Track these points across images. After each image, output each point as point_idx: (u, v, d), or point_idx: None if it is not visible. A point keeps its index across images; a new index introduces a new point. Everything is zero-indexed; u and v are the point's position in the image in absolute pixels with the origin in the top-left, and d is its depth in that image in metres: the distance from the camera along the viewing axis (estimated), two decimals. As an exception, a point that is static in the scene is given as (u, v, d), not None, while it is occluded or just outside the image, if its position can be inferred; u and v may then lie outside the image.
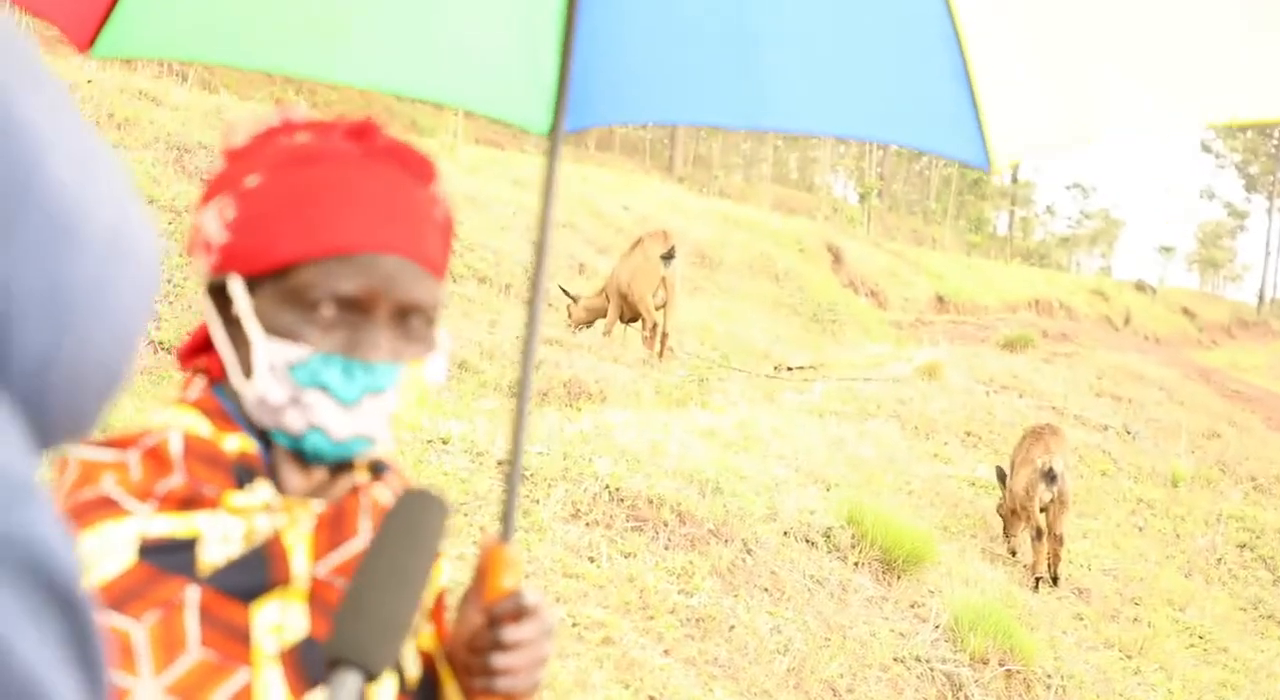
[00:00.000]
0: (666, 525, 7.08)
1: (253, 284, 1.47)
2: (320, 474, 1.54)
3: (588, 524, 6.88)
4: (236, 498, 1.44)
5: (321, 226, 1.45)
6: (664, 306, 13.93)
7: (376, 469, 1.62)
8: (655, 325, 13.92)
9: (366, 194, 1.47)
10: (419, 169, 1.53)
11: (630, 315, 14.57)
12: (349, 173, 1.47)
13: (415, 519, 1.41)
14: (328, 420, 1.46)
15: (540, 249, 1.98)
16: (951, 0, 2.34)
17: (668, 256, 13.84)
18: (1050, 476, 10.08)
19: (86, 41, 2.27)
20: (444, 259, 1.55)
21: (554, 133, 2.07)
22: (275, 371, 1.44)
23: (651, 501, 7.23)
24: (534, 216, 19.43)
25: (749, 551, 7.26)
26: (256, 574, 1.44)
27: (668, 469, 7.74)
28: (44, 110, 0.66)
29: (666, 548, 6.92)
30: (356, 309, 1.46)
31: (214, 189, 1.51)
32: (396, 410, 1.49)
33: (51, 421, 0.67)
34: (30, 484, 0.57)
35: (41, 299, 0.63)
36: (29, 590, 0.56)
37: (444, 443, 7.31)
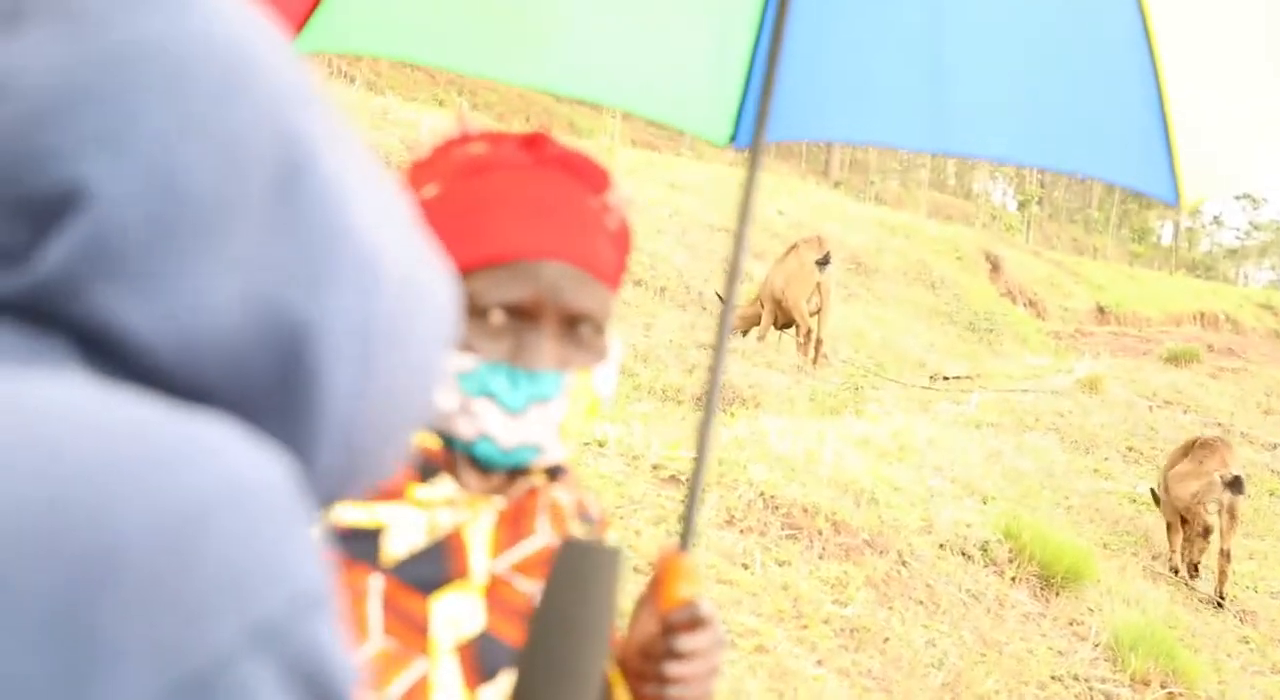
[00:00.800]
0: (821, 534, 7.00)
1: None
2: (498, 476, 1.53)
3: (742, 531, 6.78)
4: (420, 491, 1.45)
5: (490, 234, 1.44)
6: (818, 313, 13.78)
7: (553, 473, 1.61)
8: (809, 331, 13.80)
9: (535, 202, 1.46)
10: (591, 177, 1.51)
11: (784, 321, 14.36)
12: (520, 181, 1.47)
13: (584, 590, 1.33)
14: (495, 428, 1.44)
15: (733, 267, 1.94)
16: (1151, 29, 2.29)
17: (823, 262, 13.67)
18: (1236, 485, 9.74)
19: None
20: (618, 267, 1.53)
21: (755, 145, 2.02)
22: (444, 380, 1.42)
23: (806, 510, 7.15)
24: (693, 220, 19.43)
25: (904, 563, 7.18)
26: (436, 567, 1.44)
27: (822, 477, 7.67)
28: (346, 159, 0.68)
29: (821, 557, 6.85)
30: (524, 316, 1.44)
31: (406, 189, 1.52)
32: (563, 419, 1.47)
33: (353, 470, 0.69)
34: (320, 592, 0.59)
35: (351, 339, 0.66)
36: (308, 698, 0.58)
37: (600, 446, 7.29)
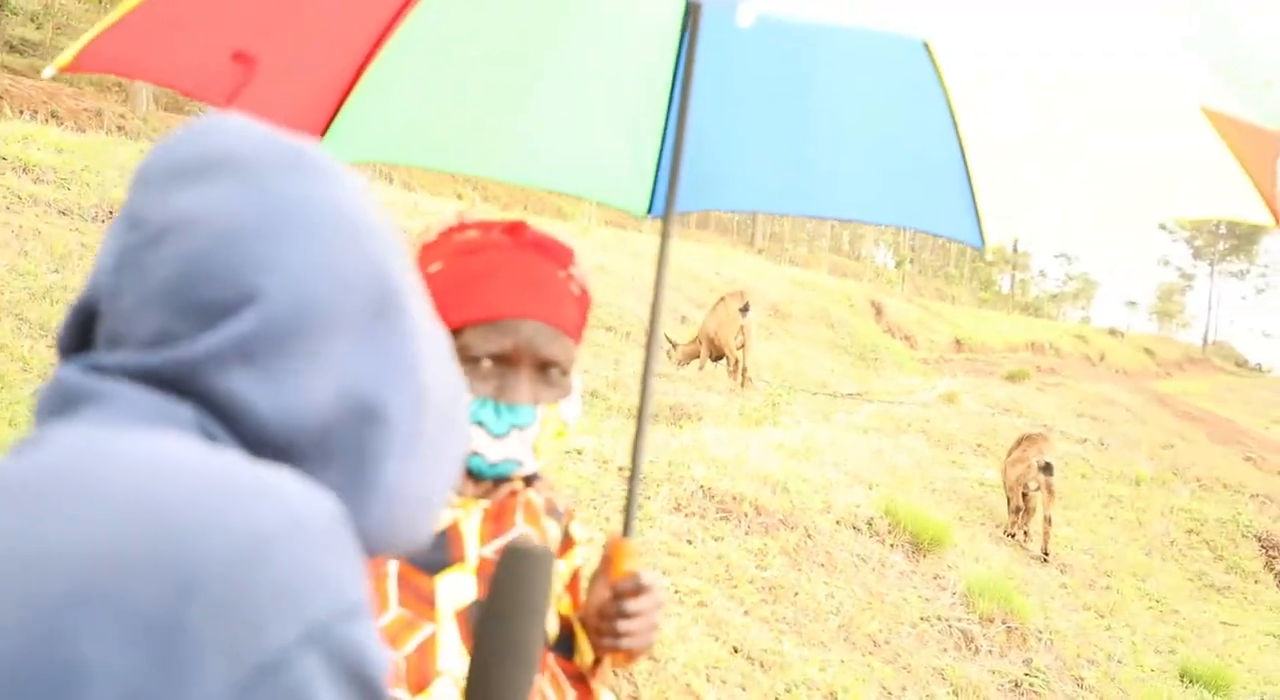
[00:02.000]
0: (747, 516, 6.88)
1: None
2: (486, 483, 1.50)
3: (686, 515, 6.65)
4: None
5: (481, 299, 1.41)
6: (743, 347, 13.66)
7: (529, 479, 1.58)
8: (737, 362, 13.60)
9: (514, 274, 1.42)
10: (559, 255, 1.48)
11: (717, 355, 14.04)
12: (503, 259, 1.43)
13: (522, 584, 1.25)
14: (483, 448, 1.42)
15: (655, 307, 1.87)
16: (956, 116, 2.28)
17: (744, 309, 13.58)
18: (1048, 469, 9.69)
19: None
20: (579, 323, 1.49)
21: (666, 216, 1.97)
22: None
23: (735, 498, 7.03)
24: (649, 281, 18.16)
25: (809, 536, 7.06)
26: (440, 553, 1.41)
27: (748, 473, 7.54)
28: (419, 303, 0.71)
29: (747, 533, 6.73)
30: (506, 362, 1.41)
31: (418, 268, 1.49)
32: (536, 441, 1.44)
33: (393, 529, 0.69)
34: (360, 603, 0.58)
35: (404, 436, 0.68)
36: (351, 687, 0.58)
37: (578, 454, 7.12)
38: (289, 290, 0.62)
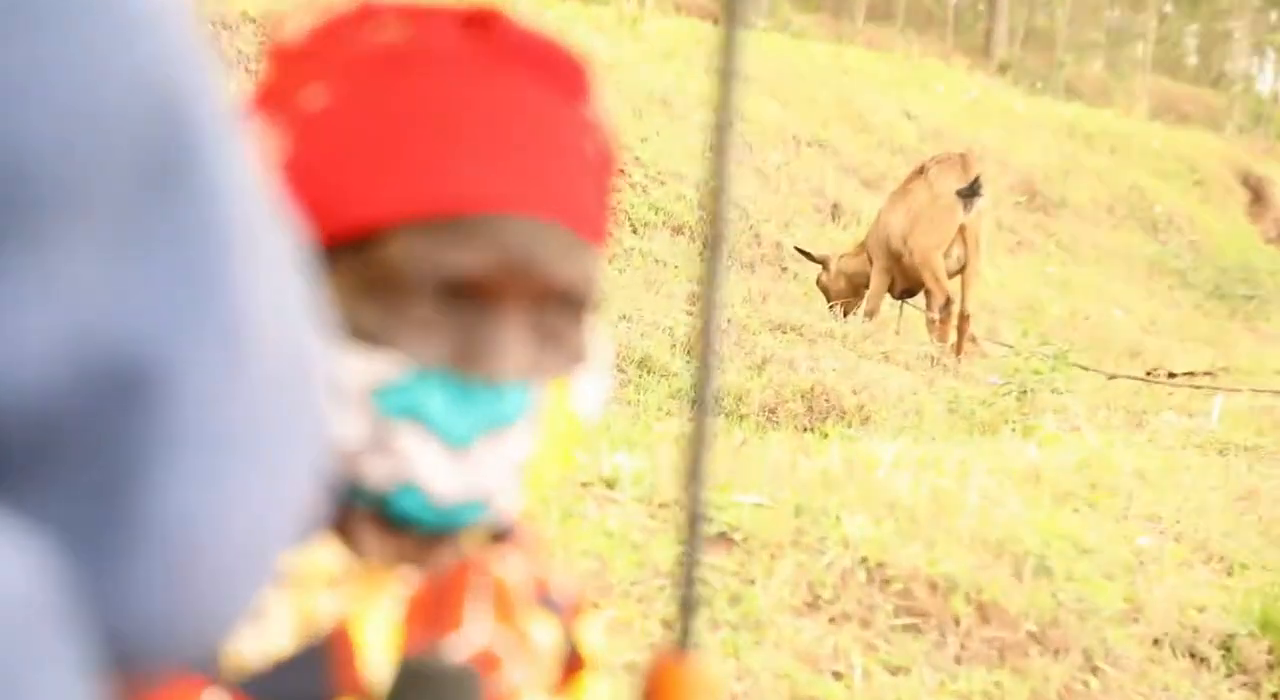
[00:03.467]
0: (959, 624, 4.22)
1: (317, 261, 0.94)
2: (412, 538, 0.95)
3: (832, 619, 4.11)
4: (287, 560, 0.70)
5: (422, 169, 0.89)
6: (962, 272, 8.11)
7: (501, 535, 1.02)
8: (949, 302, 8.06)
9: (489, 120, 0.89)
10: (567, 78, 0.93)
11: (907, 285, 8.34)
12: (464, 88, 0.91)
13: None
14: (427, 472, 0.90)
15: (718, 185, 1.04)
16: None
17: (969, 193, 8.00)
18: None
19: None
20: (603, 218, 0.95)
21: None
22: (348, 395, 0.91)
23: (935, 586, 4.30)
24: (760, 130, 11.37)
25: (1094, 670, 4.31)
26: (310, 680, 0.91)
27: (962, 534, 4.61)
28: (238, 161, 0.47)
29: (959, 660, 4.16)
30: (474, 298, 0.89)
31: (258, 105, 0.95)
32: (529, 456, 0.92)
33: (179, 613, 0.46)
34: None
35: (208, 414, 0.46)
36: None
37: (608, 486, 4.48)
38: None
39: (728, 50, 1.04)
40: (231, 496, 0.45)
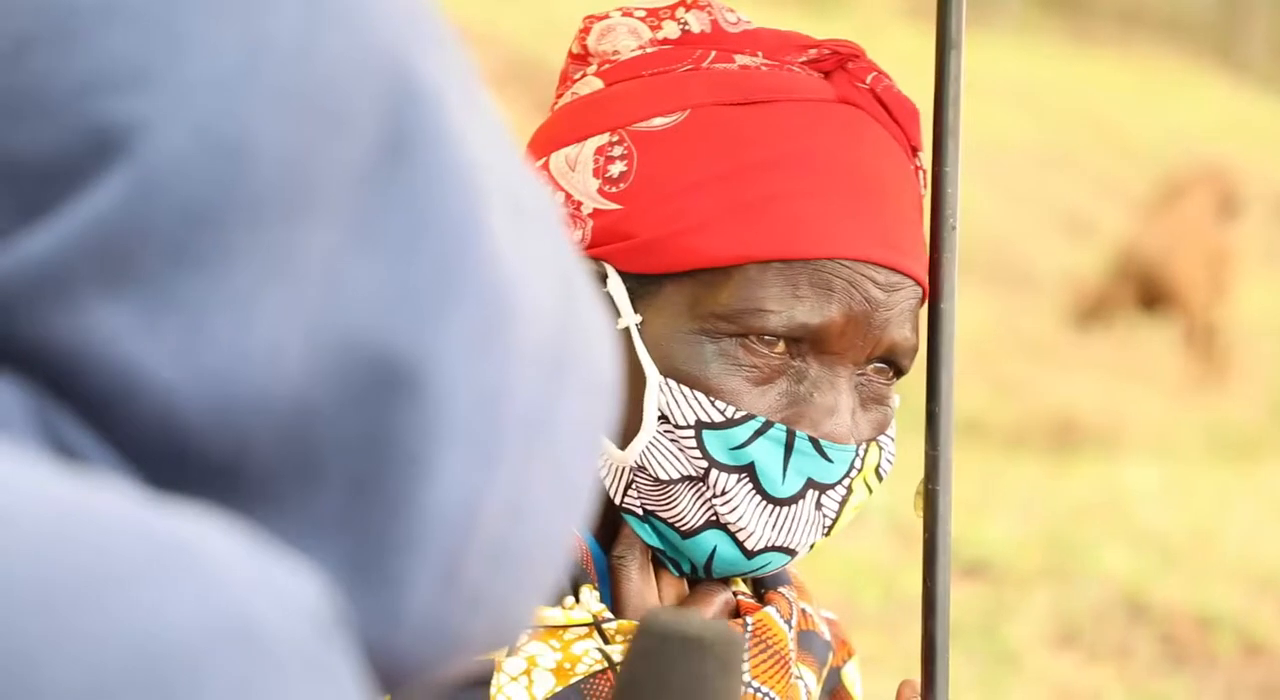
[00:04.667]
0: (1225, 661, 4.05)
1: (638, 283, 0.91)
2: (676, 584, 0.95)
3: (1091, 654, 4.01)
4: (548, 612, 0.91)
5: (783, 209, 0.88)
6: (1221, 290, 7.64)
7: (765, 582, 0.99)
8: (1207, 324, 7.62)
9: (850, 166, 0.90)
10: (909, 126, 0.93)
11: (1151, 300, 7.78)
12: (825, 128, 0.90)
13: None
14: (747, 519, 0.90)
15: (939, 204, 0.98)
16: None
17: (1228, 212, 7.69)
18: None
19: None
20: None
21: None
22: (676, 434, 0.88)
23: (1201, 620, 4.12)
24: (1008, 145, 10.80)
25: None
26: None
27: (1227, 566, 4.47)
28: (481, 130, 0.42)
29: (1229, 697, 4.00)
30: (817, 350, 0.90)
31: (586, 115, 0.93)
32: (839, 516, 0.94)
33: (458, 620, 0.42)
34: None
35: (473, 407, 0.40)
36: None
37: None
38: (199, 122, 0.36)
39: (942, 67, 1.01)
40: (508, 481, 0.42)
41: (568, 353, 0.43)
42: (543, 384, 0.42)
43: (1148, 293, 7.68)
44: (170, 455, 0.39)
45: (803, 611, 1.01)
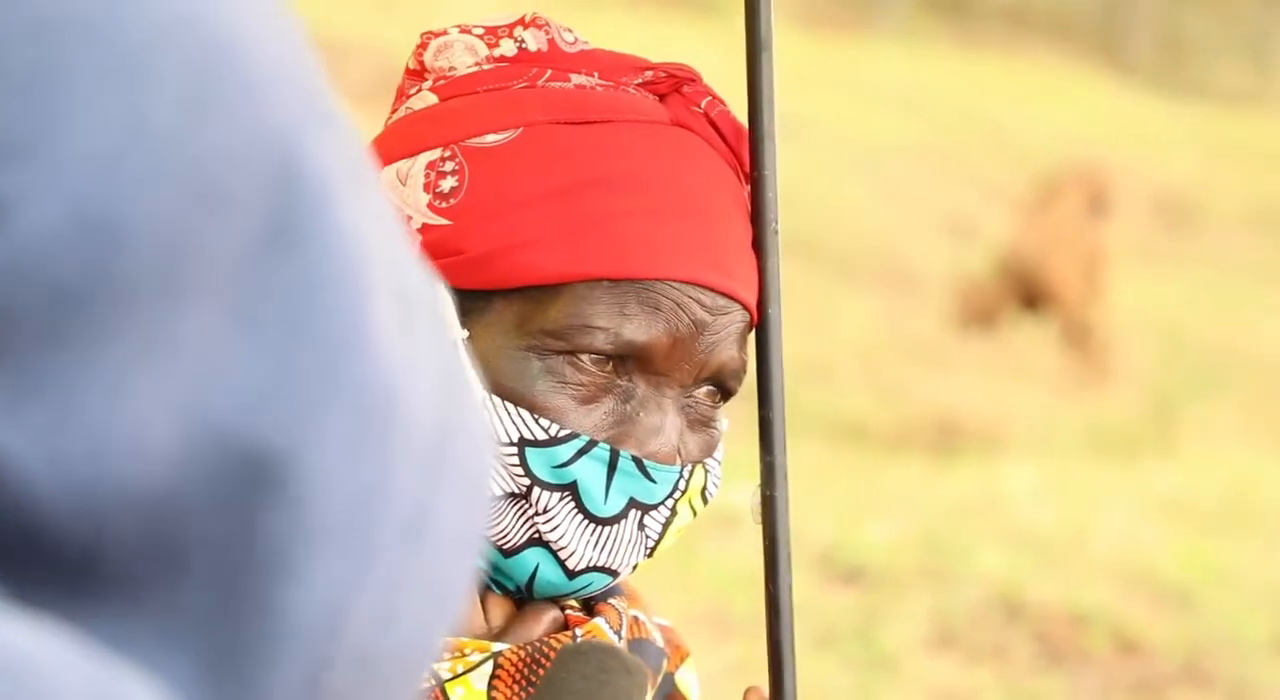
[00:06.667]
0: (1103, 661, 4.13)
1: (467, 299, 0.89)
2: (502, 603, 0.95)
3: (969, 655, 4.05)
4: None
5: (614, 229, 0.89)
6: (1093, 290, 7.74)
7: (594, 599, 0.99)
8: (1081, 324, 7.72)
9: (681, 187, 0.91)
10: (738, 148, 0.95)
11: (1029, 299, 7.87)
12: (657, 149, 0.92)
13: None
14: (568, 538, 0.90)
15: (759, 203, 0.97)
16: None
17: (1099, 211, 7.79)
18: None
19: None
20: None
21: None
22: (499, 451, 0.89)
23: (1076, 619, 4.18)
24: (892, 151, 10.95)
25: None
26: None
27: (1103, 564, 4.48)
28: (369, 218, 0.42)
29: (1103, 697, 4.08)
30: (644, 370, 0.90)
31: (419, 130, 0.93)
32: (661, 536, 0.94)
33: None
34: None
35: (347, 507, 0.39)
36: None
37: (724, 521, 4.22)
38: (73, 199, 0.36)
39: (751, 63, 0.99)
40: (380, 585, 0.41)
41: (448, 452, 0.43)
42: (421, 485, 0.42)
43: (1028, 293, 7.79)
44: (20, 545, 0.37)
45: (635, 619, 1.02)
